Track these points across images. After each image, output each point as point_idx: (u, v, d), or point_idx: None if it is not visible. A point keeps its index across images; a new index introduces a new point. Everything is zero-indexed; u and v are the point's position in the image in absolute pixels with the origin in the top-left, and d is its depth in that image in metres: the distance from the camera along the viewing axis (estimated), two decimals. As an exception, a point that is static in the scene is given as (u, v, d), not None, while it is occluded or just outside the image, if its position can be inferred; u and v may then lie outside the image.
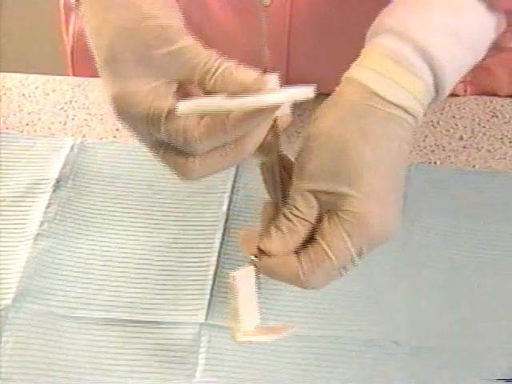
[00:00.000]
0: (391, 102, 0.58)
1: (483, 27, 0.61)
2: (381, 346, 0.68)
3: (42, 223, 0.76)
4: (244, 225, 0.76)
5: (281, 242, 0.59)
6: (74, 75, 0.96)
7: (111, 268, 0.73)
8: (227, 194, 0.79)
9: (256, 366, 0.68)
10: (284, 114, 0.59)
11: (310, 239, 0.59)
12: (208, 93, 0.57)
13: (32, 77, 0.92)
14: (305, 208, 0.59)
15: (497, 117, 0.87)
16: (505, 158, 0.84)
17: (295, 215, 0.59)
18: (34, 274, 0.72)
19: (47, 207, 0.77)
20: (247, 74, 0.57)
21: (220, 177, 0.80)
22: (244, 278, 0.60)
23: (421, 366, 0.67)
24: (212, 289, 0.72)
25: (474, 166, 0.82)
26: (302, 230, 0.59)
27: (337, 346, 0.69)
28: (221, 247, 0.75)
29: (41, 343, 0.68)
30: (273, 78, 0.56)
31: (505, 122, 0.87)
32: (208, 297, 0.72)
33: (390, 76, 0.59)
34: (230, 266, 0.74)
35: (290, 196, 0.59)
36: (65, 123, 0.87)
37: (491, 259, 0.75)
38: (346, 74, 0.61)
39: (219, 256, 0.74)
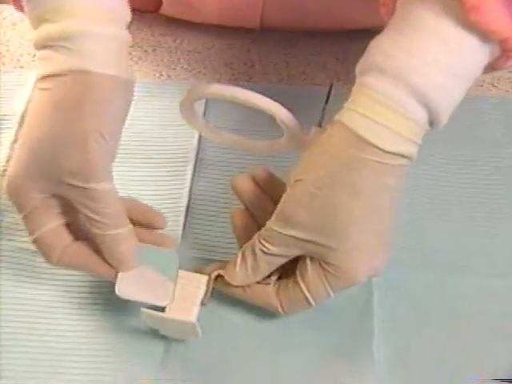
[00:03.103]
0: (385, 151, 0.57)
1: (477, 58, 0.58)
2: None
3: (8, 159, 0.75)
4: (215, 155, 0.76)
5: (242, 277, 0.62)
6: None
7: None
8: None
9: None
10: None
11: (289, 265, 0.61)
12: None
13: (-1, 7, 0.90)
14: (279, 250, 0.60)
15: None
16: (482, 86, 0.84)
17: (265, 253, 0.60)
18: (4, 211, 0.71)
19: (13, 143, 0.76)
20: (124, 260, 0.61)
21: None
22: (190, 280, 0.63)
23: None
24: (185, 220, 0.72)
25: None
26: (269, 269, 0.61)
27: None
28: (192, 179, 0.75)
29: (12, 278, 0.67)
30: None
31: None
32: (181, 228, 0.71)
33: (383, 123, 0.56)
34: (201, 197, 0.73)
35: (267, 230, 0.60)
36: (34, 55, 0.86)
37: (466, 183, 0.75)
38: (337, 117, 0.59)
39: (191, 188, 0.74)
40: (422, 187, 0.74)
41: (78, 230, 0.63)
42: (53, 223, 0.61)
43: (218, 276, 0.63)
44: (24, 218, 0.61)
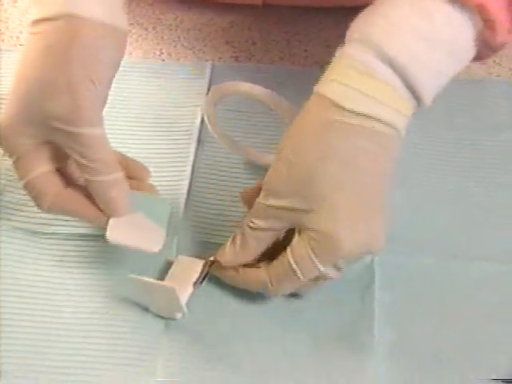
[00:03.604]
0: (357, 113, 0.57)
1: (456, 27, 0.57)
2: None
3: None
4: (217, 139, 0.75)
5: (232, 256, 0.62)
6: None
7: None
8: (200, 108, 0.78)
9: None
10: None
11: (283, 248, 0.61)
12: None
13: (-1, -16, 0.89)
14: (264, 223, 0.60)
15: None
16: (485, 63, 0.83)
17: (252, 228, 0.60)
18: (3, 190, 0.71)
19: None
20: (116, 205, 0.61)
21: (194, 89, 0.80)
22: (187, 264, 0.64)
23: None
24: (186, 202, 0.71)
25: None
26: (257, 247, 0.61)
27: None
28: (195, 160, 0.74)
29: (9, 258, 0.67)
30: None
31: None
32: (182, 209, 0.71)
33: (354, 86, 0.57)
34: (203, 178, 0.73)
35: (254, 206, 0.61)
36: (34, 33, 0.85)
37: (464, 166, 0.75)
38: (315, 89, 0.59)
39: (193, 169, 0.73)
40: (420, 171, 0.74)
41: (69, 176, 0.63)
42: (43, 168, 0.61)
43: (214, 261, 0.63)
44: (14, 162, 0.61)
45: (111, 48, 0.60)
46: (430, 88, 0.58)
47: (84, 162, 0.59)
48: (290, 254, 0.59)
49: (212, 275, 0.64)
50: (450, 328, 0.64)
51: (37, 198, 0.62)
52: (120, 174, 0.61)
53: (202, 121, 0.76)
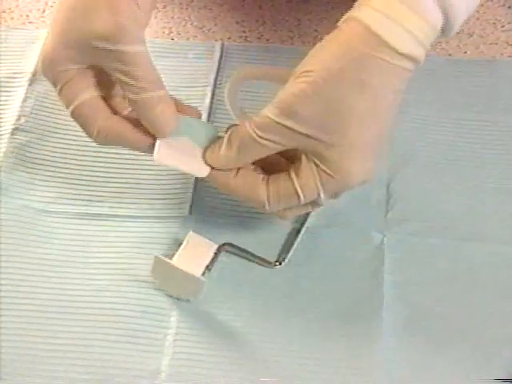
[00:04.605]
0: (396, 50, 0.55)
1: None
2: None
3: (18, 117, 0.75)
4: (226, 118, 0.74)
5: (225, 160, 0.60)
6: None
7: (90, 162, 0.72)
8: (210, 88, 0.78)
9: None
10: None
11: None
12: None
13: (9, -39, 0.89)
14: (271, 137, 0.58)
15: (491, 0, 0.84)
16: (497, 44, 0.82)
17: (254, 139, 0.58)
18: (12, 169, 0.71)
19: (24, 101, 0.76)
20: (162, 123, 0.59)
21: (202, 70, 0.79)
22: (198, 244, 0.64)
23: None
24: (195, 183, 0.71)
25: (465, 52, 0.80)
26: (252, 156, 0.59)
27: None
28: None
29: (16, 237, 0.67)
30: None
31: (499, 6, 0.84)
32: (191, 191, 0.71)
33: (394, 17, 0.54)
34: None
35: (261, 118, 0.58)
36: (43, 11, 0.85)
37: (479, 148, 0.74)
38: (349, 14, 0.57)
39: (202, 150, 0.73)
40: (435, 152, 0.73)
41: (114, 108, 0.62)
42: (90, 93, 0.61)
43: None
44: (60, 90, 0.60)
45: None
46: (461, 21, 0.57)
47: (127, 79, 0.58)
48: (294, 176, 0.58)
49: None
50: (459, 311, 0.64)
51: (85, 124, 0.61)
52: (164, 92, 0.60)
53: (212, 101, 0.76)
